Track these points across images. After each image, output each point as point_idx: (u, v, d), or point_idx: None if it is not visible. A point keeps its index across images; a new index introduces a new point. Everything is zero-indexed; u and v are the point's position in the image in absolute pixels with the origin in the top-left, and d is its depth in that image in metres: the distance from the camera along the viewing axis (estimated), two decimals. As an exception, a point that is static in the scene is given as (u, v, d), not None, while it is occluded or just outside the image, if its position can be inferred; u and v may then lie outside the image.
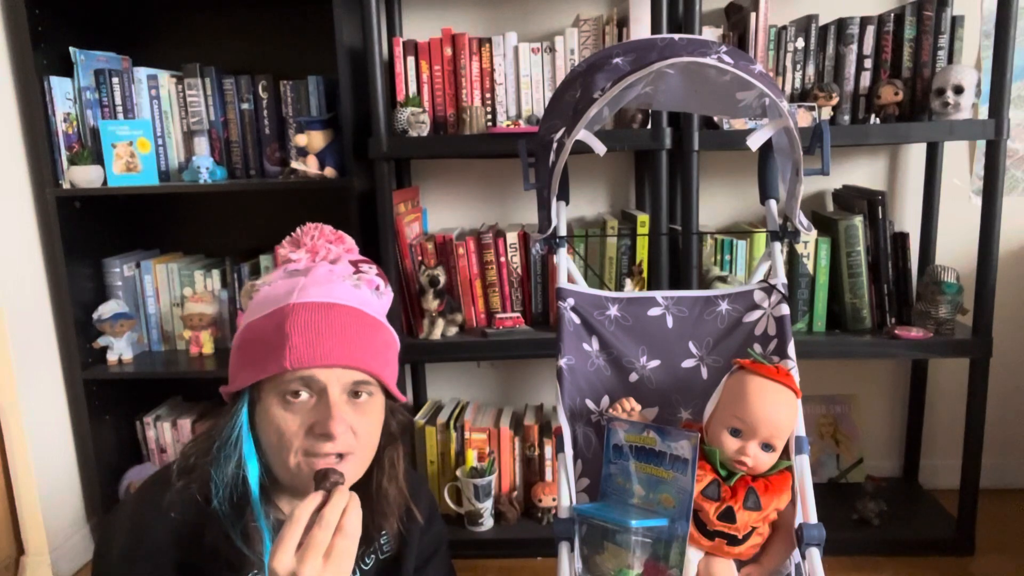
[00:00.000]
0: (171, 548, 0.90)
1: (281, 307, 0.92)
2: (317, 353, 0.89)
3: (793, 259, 1.97)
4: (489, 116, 2.03)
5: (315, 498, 0.83)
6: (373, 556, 1.08)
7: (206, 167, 2.00)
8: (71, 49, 1.98)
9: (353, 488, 1.00)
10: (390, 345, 1.00)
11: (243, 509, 0.91)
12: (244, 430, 0.93)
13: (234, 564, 0.90)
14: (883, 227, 1.97)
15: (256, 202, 2.24)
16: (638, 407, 1.27)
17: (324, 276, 0.96)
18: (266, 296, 0.95)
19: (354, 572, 1.05)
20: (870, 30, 1.93)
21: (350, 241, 1.03)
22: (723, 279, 1.95)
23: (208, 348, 2.13)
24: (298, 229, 1.01)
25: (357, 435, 0.93)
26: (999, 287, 1.91)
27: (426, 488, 1.21)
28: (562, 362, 1.35)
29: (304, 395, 0.90)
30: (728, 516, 1.11)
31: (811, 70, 1.96)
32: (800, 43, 1.95)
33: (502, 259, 2.06)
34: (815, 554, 1.08)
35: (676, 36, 1.28)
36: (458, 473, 2.12)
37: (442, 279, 1.99)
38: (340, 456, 0.92)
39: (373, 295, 1.00)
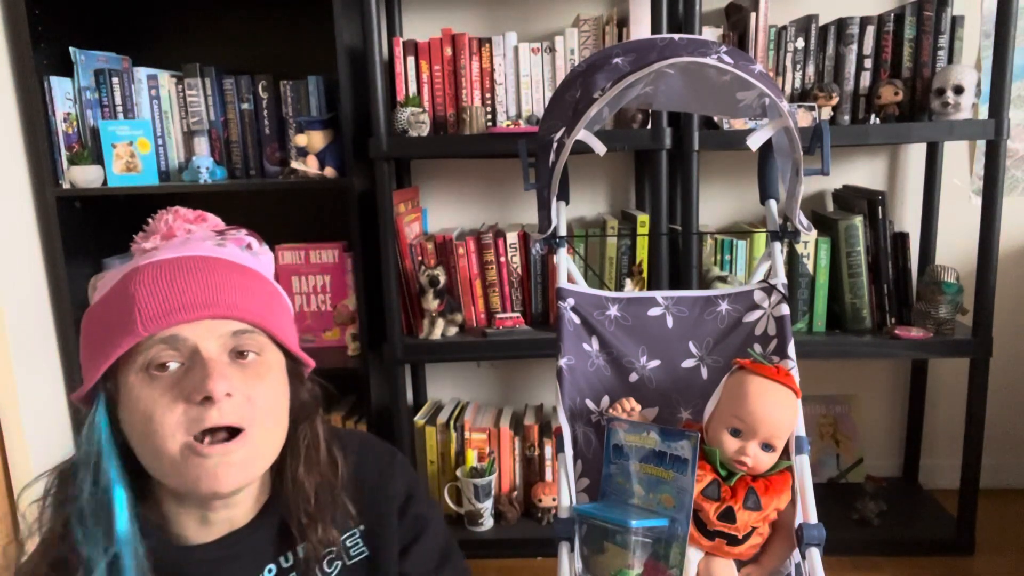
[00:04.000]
0: None
1: (124, 274, 0.76)
2: (173, 305, 0.72)
3: (793, 259, 1.97)
4: (489, 116, 2.02)
5: None
6: (338, 562, 0.89)
7: (206, 167, 2.00)
8: (71, 49, 1.98)
9: (274, 484, 0.85)
10: (275, 296, 0.83)
11: (109, 546, 0.73)
12: (103, 433, 0.74)
13: None
14: (883, 227, 1.97)
15: (256, 202, 2.24)
16: (638, 407, 1.27)
17: (178, 242, 0.80)
18: (109, 278, 0.79)
19: None
20: (870, 30, 1.93)
21: (215, 219, 0.86)
22: (723, 279, 1.95)
23: (208, 348, 2.13)
24: (150, 219, 0.83)
25: (253, 402, 0.75)
26: (999, 287, 1.90)
27: (397, 467, 0.96)
28: (562, 362, 1.35)
29: (173, 364, 0.73)
30: (728, 516, 1.11)
31: (811, 70, 1.96)
32: (800, 43, 1.95)
33: (502, 259, 2.06)
34: (815, 554, 1.08)
35: (676, 36, 1.28)
36: (458, 473, 2.12)
37: (442, 279, 1.99)
38: (232, 433, 0.73)
39: (245, 253, 0.83)
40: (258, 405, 0.76)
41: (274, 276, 0.87)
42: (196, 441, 0.72)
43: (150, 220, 0.82)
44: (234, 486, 0.76)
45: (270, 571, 0.86)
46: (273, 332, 0.80)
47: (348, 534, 0.90)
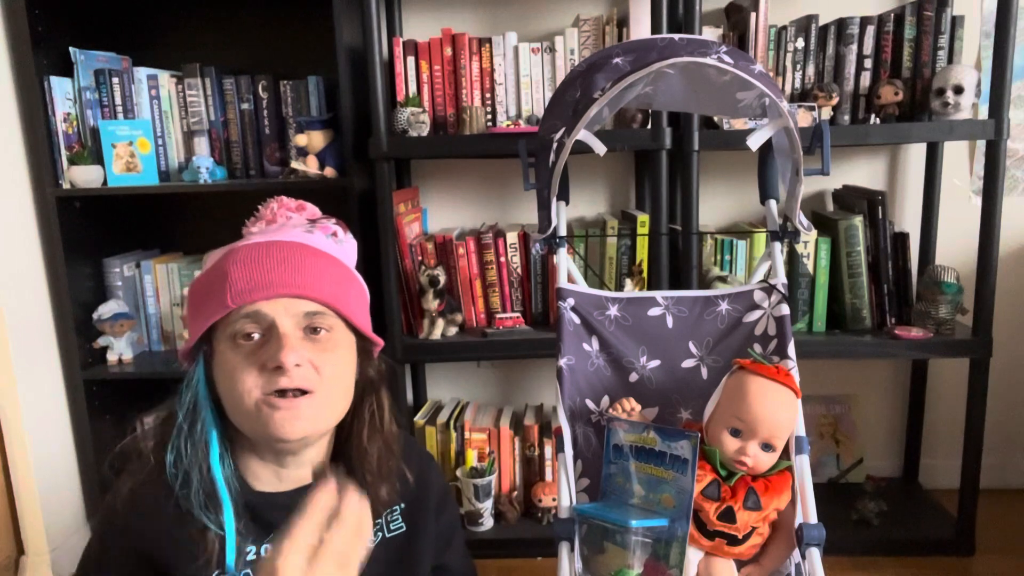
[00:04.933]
0: (134, 524, 0.86)
1: (225, 252, 0.90)
2: (258, 284, 0.84)
3: (793, 259, 1.97)
4: (489, 116, 2.03)
5: (329, 490, 0.69)
6: (380, 534, 1.00)
7: (206, 167, 2.00)
8: (71, 49, 1.98)
9: (335, 449, 0.96)
10: (350, 281, 0.94)
11: (203, 478, 0.86)
12: (201, 386, 0.88)
13: (196, 541, 0.85)
14: (883, 227, 1.97)
15: (256, 202, 2.19)
16: (638, 407, 1.27)
17: (275, 227, 0.94)
18: (215, 254, 0.93)
19: None
20: (870, 30, 1.93)
21: (313, 208, 0.99)
22: (723, 279, 1.95)
23: (208, 348, 2.13)
24: (259, 207, 0.98)
25: (320, 371, 0.87)
26: (999, 287, 1.91)
27: (434, 465, 1.12)
28: (562, 362, 1.35)
29: (255, 335, 0.85)
30: (728, 516, 1.11)
31: (811, 70, 1.96)
32: (800, 43, 1.95)
33: (502, 259, 2.06)
34: (815, 554, 1.08)
35: (676, 36, 1.28)
36: (458, 473, 2.11)
37: (442, 279, 1.99)
38: (301, 393, 0.85)
39: (329, 240, 0.95)
40: (325, 373, 0.87)
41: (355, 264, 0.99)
42: (269, 396, 0.85)
43: (259, 208, 0.98)
44: (300, 434, 0.87)
45: None
46: (345, 313, 0.90)
47: (390, 509, 1.01)
